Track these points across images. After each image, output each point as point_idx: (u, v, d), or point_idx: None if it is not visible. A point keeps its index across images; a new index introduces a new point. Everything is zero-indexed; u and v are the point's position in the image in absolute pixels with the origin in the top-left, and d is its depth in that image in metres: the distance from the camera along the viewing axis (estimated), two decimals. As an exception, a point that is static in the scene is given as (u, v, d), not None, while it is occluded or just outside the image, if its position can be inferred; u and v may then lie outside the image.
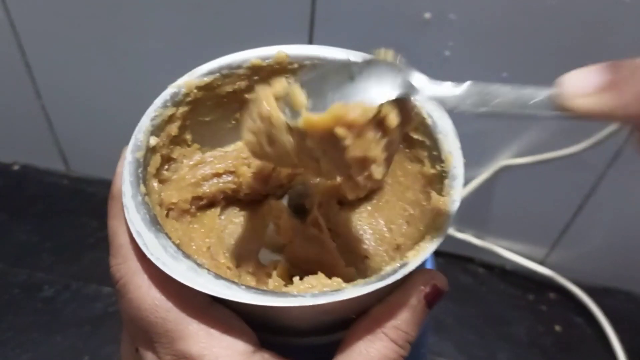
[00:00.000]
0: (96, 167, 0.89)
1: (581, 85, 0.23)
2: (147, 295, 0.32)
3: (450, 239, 0.83)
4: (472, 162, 0.75)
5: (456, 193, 0.35)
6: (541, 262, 0.84)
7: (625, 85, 0.22)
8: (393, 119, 0.29)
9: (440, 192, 0.36)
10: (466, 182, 0.76)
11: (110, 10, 0.69)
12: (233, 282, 0.30)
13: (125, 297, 0.33)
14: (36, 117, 0.84)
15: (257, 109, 0.32)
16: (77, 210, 0.89)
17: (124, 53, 0.74)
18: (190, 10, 0.67)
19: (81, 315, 0.79)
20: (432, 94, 0.29)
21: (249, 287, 0.30)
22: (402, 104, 0.30)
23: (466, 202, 0.77)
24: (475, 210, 0.80)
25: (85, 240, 0.86)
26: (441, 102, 0.29)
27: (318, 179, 0.42)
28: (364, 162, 0.29)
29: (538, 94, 0.26)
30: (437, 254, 0.88)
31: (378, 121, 0.29)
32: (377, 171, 0.30)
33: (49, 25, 0.73)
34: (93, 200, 0.90)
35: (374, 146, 0.29)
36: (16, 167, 0.93)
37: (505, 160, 0.73)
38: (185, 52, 0.67)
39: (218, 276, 0.31)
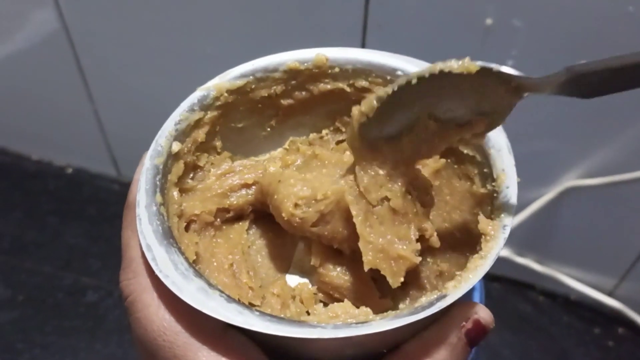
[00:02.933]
0: (147, 174, 0.89)
1: None
2: (155, 316, 0.29)
3: (509, 263, 0.78)
4: (535, 181, 0.69)
5: (507, 217, 0.30)
6: (609, 294, 0.78)
7: None
8: (436, 241, 0.32)
9: (489, 215, 0.31)
10: (528, 203, 0.71)
11: (164, 14, 0.69)
12: (246, 307, 0.27)
13: (133, 315, 0.30)
14: (89, 121, 0.84)
15: None
16: (127, 216, 0.89)
17: (177, 58, 0.72)
18: (244, 17, 0.65)
19: (124, 323, 0.78)
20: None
21: (263, 314, 0.27)
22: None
23: (528, 224, 0.72)
24: (537, 234, 0.75)
25: (132, 246, 0.85)
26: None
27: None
28: None
29: None
30: (493, 278, 0.82)
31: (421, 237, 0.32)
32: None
33: (102, 29, 0.73)
34: (142, 206, 0.89)
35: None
36: (69, 171, 0.94)
37: (572, 181, 0.68)
38: (238, 56, 0.65)
39: (230, 299, 0.28)
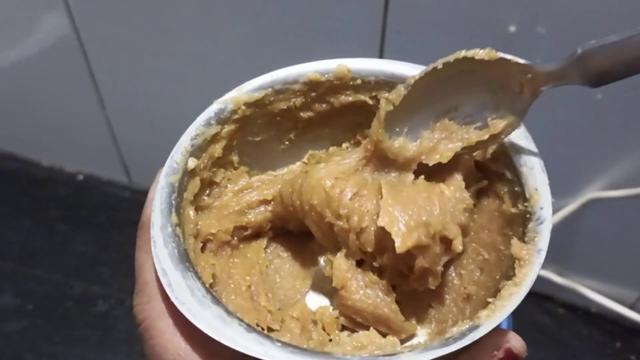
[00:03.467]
0: (158, 180, 0.87)
1: None
2: (170, 344, 0.28)
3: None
4: (557, 192, 0.67)
5: (542, 240, 0.29)
6: (631, 307, 0.77)
7: None
8: (458, 245, 0.31)
9: (522, 238, 0.30)
10: (549, 213, 0.69)
11: (176, 20, 0.67)
12: (267, 337, 0.26)
13: (148, 342, 0.28)
14: (100, 128, 0.83)
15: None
16: (138, 223, 0.88)
17: (189, 65, 0.71)
18: (259, 22, 0.64)
19: (133, 333, 0.77)
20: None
21: (284, 345, 0.25)
22: None
23: (548, 235, 0.70)
24: (558, 245, 0.73)
25: (143, 254, 0.84)
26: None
27: None
28: (425, 273, 0.31)
29: None
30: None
31: (442, 238, 0.31)
32: (433, 282, 0.32)
33: (113, 35, 0.72)
34: (153, 213, 0.88)
35: (438, 261, 0.31)
36: (80, 177, 0.93)
37: (595, 192, 0.66)
38: (253, 65, 0.64)
39: (250, 328, 0.26)
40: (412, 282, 0.32)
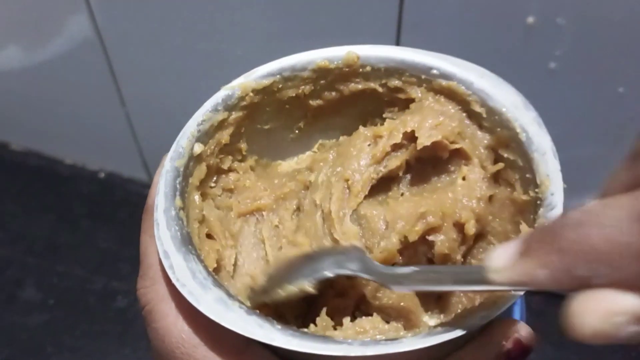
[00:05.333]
0: (178, 178, 0.88)
1: (500, 258, 0.22)
2: (173, 327, 0.28)
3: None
4: (580, 189, 0.66)
5: (553, 226, 0.28)
6: (658, 308, 0.73)
7: (533, 254, 0.21)
8: (471, 227, 0.31)
9: (532, 224, 0.29)
10: (571, 212, 0.68)
11: (196, 17, 0.68)
12: (267, 320, 0.25)
13: (151, 325, 0.29)
14: (121, 125, 0.84)
15: None
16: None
17: (208, 61, 0.71)
18: (275, 16, 0.64)
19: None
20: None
21: (285, 328, 0.25)
22: None
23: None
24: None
25: (163, 251, 0.85)
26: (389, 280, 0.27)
27: None
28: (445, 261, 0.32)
29: (472, 271, 0.25)
30: (533, 291, 0.78)
31: (455, 223, 0.31)
32: None
33: (134, 34, 0.73)
34: (174, 211, 0.89)
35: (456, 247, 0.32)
36: (102, 175, 0.94)
37: (618, 189, 0.64)
38: (269, 57, 0.63)
39: (250, 311, 0.26)
40: None
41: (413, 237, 0.30)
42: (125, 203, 0.91)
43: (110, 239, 0.87)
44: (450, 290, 0.31)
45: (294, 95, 0.36)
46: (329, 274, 0.27)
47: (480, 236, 0.34)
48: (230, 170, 0.36)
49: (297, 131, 0.39)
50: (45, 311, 0.79)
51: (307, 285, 0.27)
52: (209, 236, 0.33)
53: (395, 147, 0.34)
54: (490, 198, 0.34)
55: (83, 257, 0.85)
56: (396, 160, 0.34)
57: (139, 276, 0.30)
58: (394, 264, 0.32)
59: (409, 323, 0.31)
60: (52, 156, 0.95)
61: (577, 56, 0.55)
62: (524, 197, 0.31)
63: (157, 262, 0.29)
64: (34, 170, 0.94)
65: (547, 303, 0.77)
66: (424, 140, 0.33)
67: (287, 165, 0.39)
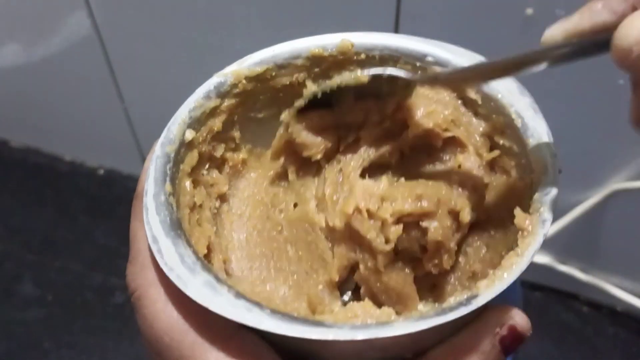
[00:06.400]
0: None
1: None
2: (162, 313, 0.27)
3: (551, 271, 0.75)
4: (579, 183, 0.66)
5: (547, 211, 0.27)
6: (660, 305, 0.73)
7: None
8: (466, 215, 0.31)
9: (527, 209, 0.28)
10: (571, 207, 0.68)
11: (194, 11, 0.68)
12: (255, 304, 0.25)
13: (140, 312, 0.28)
14: (120, 122, 0.84)
15: None
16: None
17: (208, 56, 0.71)
18: (274, 8, 0.63)
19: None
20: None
21: (274, 312, 0.25)
22: None
23: (571, 229, 0.69)
24: (580, 240, 0.71)
25: (161, 247, 0.85)
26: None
27: None
28: (439, 249, 0.31)
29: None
30: (534, 287, 0.78)
31: (450, 211, 0.31)
32: (447, 262, 0.31)
33: (132, 31, 0.73)
34: (173, 207, 0.89)
35: (450, 235, 0.31)
36: (101, 172, 0.94)
37: (618, 183, 0.65)
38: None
39: (239, 295, 0.25)
40: (427, 263, 0.31)
41: (407, 212, 0.30)
42: (124, 199, 0.91)
43: (109, 235, 0.87)
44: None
45: (287, 83, 0.36)
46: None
47: (475, 224, 0.34)
48: (223, 159, 0.36)
49: None
50: (43, 307, 0.79)
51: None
52: (200, 223, 0.32)
53: (387, 133, 0.34)
54: (486, 186, 0.33)
55: (81, 253, 0.85)
56: (387, 147, 0.33)
57: (128, 262, 0.30)
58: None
59: (406, 309, 0.30)
60: (52, 153, 0.95)
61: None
62: (520, 183, 0.31)
63: (146, 248, 0.29)
64: (33, 167, 0.94)
65: (548, 300, 0.78)
66: (414, 129, 0.33)
67: None
